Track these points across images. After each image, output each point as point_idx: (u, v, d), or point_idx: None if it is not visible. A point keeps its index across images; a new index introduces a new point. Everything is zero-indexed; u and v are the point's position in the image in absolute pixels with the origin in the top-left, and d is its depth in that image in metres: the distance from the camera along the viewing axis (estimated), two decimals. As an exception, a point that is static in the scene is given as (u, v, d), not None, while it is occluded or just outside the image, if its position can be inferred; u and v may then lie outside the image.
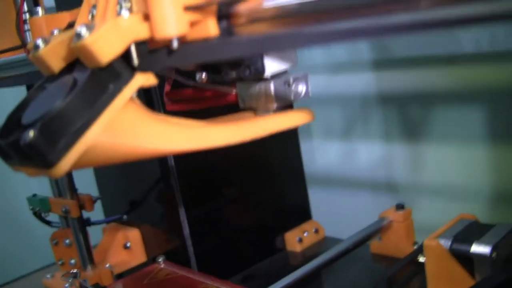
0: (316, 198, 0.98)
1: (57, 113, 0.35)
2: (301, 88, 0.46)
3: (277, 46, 0.33)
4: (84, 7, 0.42)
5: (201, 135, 0.40)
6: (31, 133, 0.34)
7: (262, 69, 0.43)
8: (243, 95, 0.46)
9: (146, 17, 0.36)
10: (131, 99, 0.38)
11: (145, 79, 0.38)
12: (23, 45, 0.57)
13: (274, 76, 0.45)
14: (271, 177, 0.91)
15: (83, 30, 0.35)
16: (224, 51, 0.35)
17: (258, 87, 0.45)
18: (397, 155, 0.92)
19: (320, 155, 1.05)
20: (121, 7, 0.36)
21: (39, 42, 0.40)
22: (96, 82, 0.36)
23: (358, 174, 0.99)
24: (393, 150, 0.93)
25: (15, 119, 0.39)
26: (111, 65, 0.36)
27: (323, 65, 1.00)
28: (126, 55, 0.37)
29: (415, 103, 0.89)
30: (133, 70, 0.38)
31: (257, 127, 0.43)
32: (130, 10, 0.36)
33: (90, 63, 0.36)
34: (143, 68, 0.38)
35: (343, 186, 1.02)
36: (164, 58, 0.37)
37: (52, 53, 0.39)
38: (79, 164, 0.36)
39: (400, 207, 0.78)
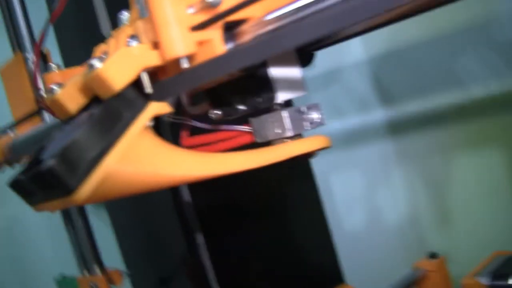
0: (347, 260, 0.96)
1: (75, 141, 0.35)
2: (315, 115, 0.46)
3: (279, 44, 0.33)
4: (96, 53, 0.43)
5: (216, 160, 0.40)
6: (51, 161, 0.34)
7: (272, 95, 0.43)
8: (259, 128, 0.46)
9: (155, 45, 0.37)
10: (146, 128, 0.38)
11: (159, 107, 0.39)
12: (37, 101, 0.58)
13: (286, 105, 0.45)
14: (299, 246, 0.89)
15: (95, 62, 0.36)
16: (231, 63, 0.36)
17: (272, 117, 0.45)
18: (422, 206, 0.91)
19: (346, 218, 1.03)
20: (130, 40, 0.37)
21: (54, 86, 0.41)
22: (111, 111, 0.37)
23: (386, 230, 0.97)
24: (418, 202, 0.92)
25: (35, 158, 0.39)
26: (124, 94, 0.37)
27: (339, 133, 1.01)
28: (139, 85, 0.38)
29: (434, 155, 0.88)
30: (147, 99, 0.38)
31: (274, 152, 0.43)
32: (140, 41, 0.38)
33: (104, 92, 0.37)
34: (157, 97, 0.39)
35: (373, 245, 1.00)
36: (176, 82, 0.38)
37: (68, 94, 0.40)
38: (99, 193, 0.36)
39: (433, 256, 0.75)
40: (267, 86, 0.43)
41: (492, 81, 0.82)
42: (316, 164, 0.99)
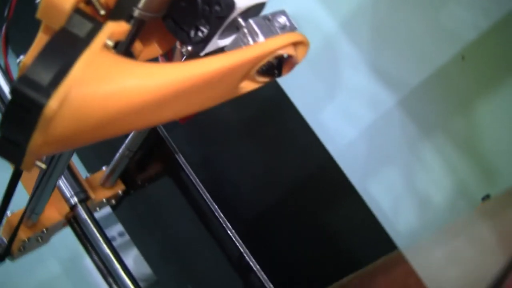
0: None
1: (33, 62, 0.35)
2: (283, 20, 0.45)
3: None
4: None
5: (190, 64, 0.39)
6: (13, 84, 0.34)
7: (231, 1, 0.43)
8: (233, 48, 0.45)
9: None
10: (108, 47, 0.38)
11: (116, 25, 0.38)
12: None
13: (249, 16, 0.44)
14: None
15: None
16: None
17: (241, 34, 0.44)
18: (464, 171, 0.87)
19: (396, 219, 0.99)
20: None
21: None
22: (68, 33, 0.37)
23: (438, 211, 0.92)
24: (458, 169, 0.87)
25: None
26: (78, 18, 0.37)
27: (360, 135, 1.00)
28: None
29: (454, 114, 0.86)
30: (106, 20, 0.38)
31: (247, 50, 0.42)
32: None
33: (56, 16, 0.37)
34: (114, 17, 0.39)
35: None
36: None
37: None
38: (74, 113, 0.35)
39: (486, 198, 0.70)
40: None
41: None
42: (352, 174, 0.97)
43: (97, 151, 0.98)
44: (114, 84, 0.36)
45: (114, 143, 0.73)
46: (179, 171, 0.90)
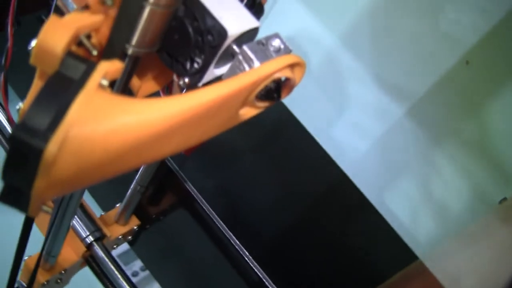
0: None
1: (30, 108, 0.35)
2: (277, 43, 0.45)
3: None
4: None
5: (185, 97, 0.39)
6: (12, 132, 0.34)
7: (223, 29, 0.43)
8: (229, 76, 0.45)
9: (85, 7, 0.38)
10: (102, 87, 0.38)
11: (109, 65, 0.39)
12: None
13: (242, 43, 0.44)
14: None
15: (32, 43, 0.37)
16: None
17: (236, 61, 0.44)
18: (479, 174, 0.86)
19: (415, 228, 0.98)
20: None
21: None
22: (62, 76, 0.37)
23: (457, 216, 0.91)
24: (472, 172, 0.86)
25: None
26: (71, 60, 0.37)
27: (373, 147, 0.99)
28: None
29: (463, 116, 0.85)
30: (98, 60, 0.39)
31: (243, 77, 0.42)
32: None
33: (49, 61, 0.37)
34: (107, 56, 0.39)
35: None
36: (114, 32, 0.38)
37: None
38: (73, 154, 0.35)
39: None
40: (211, 20, 0.43)
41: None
42: (367, 188, 0.97)
43: (109, 188, 0.98)
44: (111, 122, 0.36)
45: (125, 179, 0.73)
46: (192, 202, 0.90)
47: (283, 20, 1.05)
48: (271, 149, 1.04)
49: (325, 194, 1.03)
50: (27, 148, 0.34)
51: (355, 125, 1.03)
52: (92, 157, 0.36)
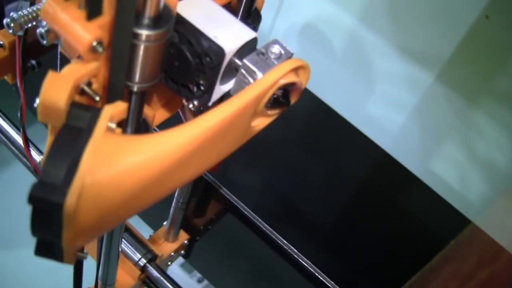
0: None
1: (44, 166, 0.36)
2: (277, 49, 0.45)
3: None
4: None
5: (194, 124, 0.40)
6: (30, 192, 0.35)
7: (219, 49, 0.43)
8: (236, 91, 0.46)
9: (79, 57, 0.39)
10: (111, 130, 0.39)
11: (113, 107, 0.39)
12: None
13: (243, 56, 0.45)
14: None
15: (36, 102, 0.38)
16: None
17: (240, 74, 0.45)
18: None
19: (463, 191, 0.96)
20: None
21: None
22: (70, 128, 0.38)
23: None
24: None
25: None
26: (76, 111, 0.38)
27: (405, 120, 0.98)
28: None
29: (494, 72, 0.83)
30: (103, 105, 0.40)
31: (248, 91, 0.42)
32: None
33: (55, 116, 0.38)
34: (110, 99, 0.40)
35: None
36: (113, 73, 0.39)
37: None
38: (92, 203, 0.36)
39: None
40: (206, 41, 0.43)
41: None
42: (410, 162, 0.97)
43: (155, 207, 0.99)
44: (123, 163, 0.37)
45: (168, 197, 0.74)
46: (235, 208, 0.91)
47: (297, 9, 1.04)
48: (306, 139, 1.04)
49: (368, 175, 1.02)
50: (47, 204, 0.35)
51: (387, 100, 1.02)
52: (110, 201, 0.37)
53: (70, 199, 0.35)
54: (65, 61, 0.42)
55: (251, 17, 0.51)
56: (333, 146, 1.04)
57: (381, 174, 1.02)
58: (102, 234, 0.59)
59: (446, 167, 1.01)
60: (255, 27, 0.50)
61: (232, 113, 0.40)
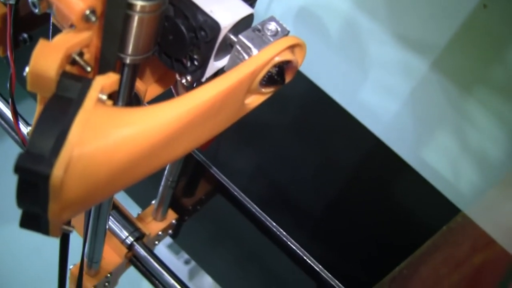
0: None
1: (31, 136, 0.35)
2: (273, 26, 0.44)
3: None
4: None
5: (186, 99, 0.39)
6: (17, 162, 0.34)
7: (215, 23, 0.42)
8: (230, 67, 0.45)
9: (71, 26, 0.38)
10: (102, 101, 0.38)
11: (104, 78, 0.38)
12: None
13: (238, 32, 0.44)
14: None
15: (26, 70, 0.37)
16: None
17: (235, 51, 0.44)
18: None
19: (455, 180, 0.96)
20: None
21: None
22: (60, 98, 0.37)
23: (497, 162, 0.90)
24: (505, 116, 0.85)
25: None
26: (67, 81, 0.37)
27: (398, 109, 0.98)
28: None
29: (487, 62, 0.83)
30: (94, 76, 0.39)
31: (243, 67, 0.41)
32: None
33: (45, 86, 0.37)
34: (102, 70, 0.39)
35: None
36: (104, 45, 0.38)
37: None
38: (79, 173, 0.35)
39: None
40: (202, 15, 0.42)
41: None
42: (403, 150, 0.97)
43: (143, 185, 0.99)
44: (113, 136, 0.36)
45: (156, 175, 0.74)
46: (226, 188, 0.90)
47: (293, -8, 1.04)
48: (300, 124, 1.03)
49: (361, 163, 1.02)
50: (33, 175, 0.34)
51: (381, 87, 1.02)
52: (99, 174, 0.37)
53: (57, 171, 0.34)
54: (57, 32, 0.41)
55: (248, -6, 0.50)
56: (326, 131, 1.04)
57: (373, 161, 1.02)
58: (89, 208, 0.58)
59: (439, 156, 1.01)
60: (251, 4, 0.49)
61: (226, 89, 0.39)
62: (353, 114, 1.02)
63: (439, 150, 1.01)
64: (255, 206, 0.88)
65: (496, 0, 0.81)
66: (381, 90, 1.02)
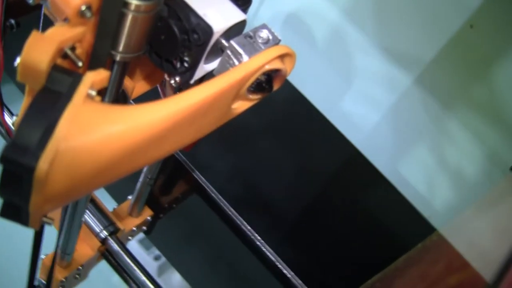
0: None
1: (19, 127, 0.35)
2: (265, 34, 0.44)
3: None
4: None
5: (173, 99, 0.39)
6: (2, 152, 0.34)
7: (208, 27, 0.42)
8: (220, 72, 0.45)
9: (65, 20, 0.38)
10: (91, 97, 0.38)
11: (95, 74, 0.39)
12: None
13: (230, 37, 0.44)
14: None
15: (17, 60, 0.37)
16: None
17: (226, 56, 0.44)
18: (490, 137, 0.86)
19: (430, 195, 0.98)
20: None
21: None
22: (49, 91, 0.37)
23: (469, 180, 0.91)
24: (483, 135, 0.86)
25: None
26: (57, 74, 0.37)
27: (379, 119, 0.99)
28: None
29: (467, 81, 0.84)
30: (85, 71, 0.39)
31: (231, 73, 0.41)
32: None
33: (35, 77, 0.37)
34: (93, 66, 0.39)
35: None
36: (97, 42, 0.38)
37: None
38: (65, 168, 0.36)
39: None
40: (195, 18, 0.43)
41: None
42: (379, 161, 0.97)
43: (122, 181, 0.99)
44: (100, 132, 0.36)
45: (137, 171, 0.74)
46: (203, 189, 0.91)
47: (283, -3, 1.04)
48: (281, 129, 1.04)
49: (338, 171, 1.03)
50: (18, 167, 0.34)
51: (364, 98, 1.03)
52: (83, 169, 0.37)
53: (43, 164, 0.34)
54: (48, 23, 0.41)
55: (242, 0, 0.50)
56: (306, 137, 1.05)
57: (350, 170, 1.03)
58: (70, 202, 0.58)
59: (414, 170, 1.02)
60: (244, 10, 0.49)
61: (214, 93, 0.40)
62: (333, 122, 1.03)
63: (415, 164, 1.02)
64: (230, 207, 0.89)
65: (483, 22, 0.83)
66: (363, 100, 1.03)
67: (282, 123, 1.06)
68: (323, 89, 1.05)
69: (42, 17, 0.46)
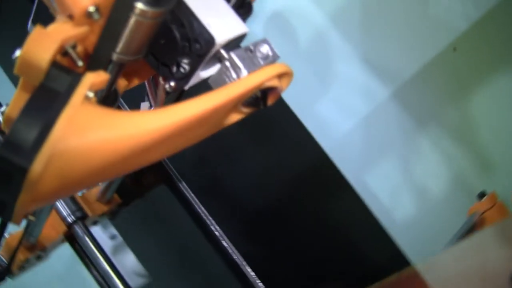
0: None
1: (14, 124, 0.35)
2: (266, 49, 0.44)
3: None
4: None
5: (169, 110, 0.39)
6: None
7: (210, 37, 0.42)
8: (216, 82, 0.45)
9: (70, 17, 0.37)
10: (88, 99, 0.38)
11: (95, 76, 0.38)
12: None
13: (229, 48, 0.44)
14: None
15: (16, 53, 0.36)
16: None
17: (224, 67, 0.44)
18: (459, 161, 0.87)
19: (393, 209, 0.99)
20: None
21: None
22: (47, 89, 0.36)
23: (435, 200, 0.93)
24: (453, 159, 0.88)
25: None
26: (56, 72, 0.37)
27: (354, 127, 1.00)
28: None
29: (447, 104, 0.86)
30: (85, 72, 0.38)
31: (229, 88, 0.41)
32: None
33: (34, 73, 0.36)
34: (93, 67, 0.39)
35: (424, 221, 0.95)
36: (101, 43, 0.38)
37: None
38: (59, 170, 0.35)
39: (482, 195, 0.70)
40: (199, 27, 0.42)
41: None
42: (347, 169, 0.99)
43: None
44: (96, 136, 0.36)
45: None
46: (172, 180, 0.91)
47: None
48: (253, 126, 1.04)
49: (304, 174, 1.03)
50: (10, 166, 0.34)
51: (340, 105, 1.03)
52: (75, 172, 0.36)
53: (37, 166, 0.34)
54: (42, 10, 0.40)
55: (243, 9, 0.50)
56: (277, 138, 1.05)
57: (317, 175, 1.03)
58: (55, 201, 0.57)
59: (380, 181, 1.04)
60: (244, 19, 0.49)
61: (212, 107, 0.40)
62: (306, 125, 1.03)
63: (381, 175, 1.04)
64: (196, 199, 0.89)
65: (467, 46, 0.84)
66: (339, 107, 1.04)
67: (254, 119, 1.06)
68: (300, 90, 1.06)
69: (34, 6, 0.45)
